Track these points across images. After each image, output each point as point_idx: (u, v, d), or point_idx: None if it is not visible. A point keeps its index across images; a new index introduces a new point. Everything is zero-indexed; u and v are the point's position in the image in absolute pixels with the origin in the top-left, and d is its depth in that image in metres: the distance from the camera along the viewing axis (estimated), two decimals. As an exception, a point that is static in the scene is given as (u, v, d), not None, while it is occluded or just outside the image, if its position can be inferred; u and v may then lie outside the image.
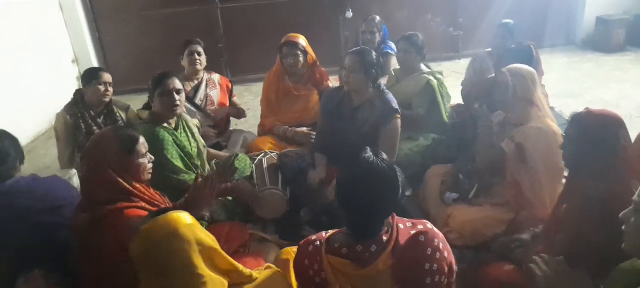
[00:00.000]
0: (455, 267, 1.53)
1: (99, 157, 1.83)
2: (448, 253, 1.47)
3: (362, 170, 1.42)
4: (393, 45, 4.07)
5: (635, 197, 1.29)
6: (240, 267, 1.59)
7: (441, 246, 1.45)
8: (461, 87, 3.83)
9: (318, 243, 1.49)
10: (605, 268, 1.48)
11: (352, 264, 1.41)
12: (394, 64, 3.92)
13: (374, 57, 2.63)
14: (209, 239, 1.47)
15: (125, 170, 1.86)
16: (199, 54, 3.48)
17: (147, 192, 1.94)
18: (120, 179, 1.83)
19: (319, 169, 2.75)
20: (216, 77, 3.67)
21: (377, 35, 4.01)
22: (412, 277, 1.41)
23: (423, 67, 3.35)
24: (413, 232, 1.45)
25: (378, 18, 4.06)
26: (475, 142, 2.75)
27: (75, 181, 2.86)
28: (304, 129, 3.36)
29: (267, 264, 1.92)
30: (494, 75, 3.17)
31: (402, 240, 1.43)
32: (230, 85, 3.73)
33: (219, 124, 3.61)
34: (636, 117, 4.09)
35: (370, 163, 1.42)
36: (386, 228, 1.46)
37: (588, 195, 1.69)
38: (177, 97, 2.53)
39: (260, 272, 1.77)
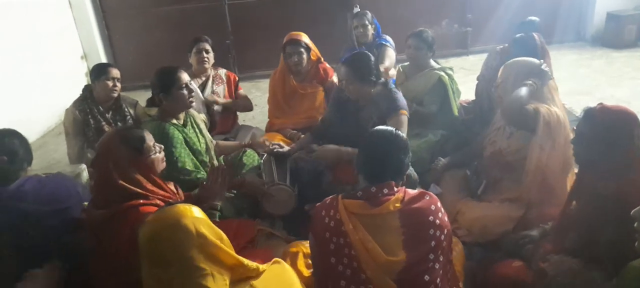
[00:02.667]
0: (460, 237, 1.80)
1: (109, 167, 1.83)
2: (447, 219, 1.70)
3: (381, 130, 1.79)
4: (389, 38, 4.07)
5: None
6: (245, 261, 1.58)
7: (443, 210, 1.69)
8: (477, 82, 3.78)
9: (335, 196, 1.73)
10: (617, 266, 1.46)
11: (365, 203, 1.64)
12: (391, 55, 3.92)
13: (369, 61, 2.60)
14: (213, 235, 1.46)
15: (138, 172, 1.86)
16: (207, 52, 3.47)
17: (161, 191, 1.94)
18: (133, 187, 1.83)
19: (299, 143, 2.97)
20: (222, 72, 3.65)
21: (370, 27, 3.99)
22: (418, 224, 1.62)
23: (433, 63, 3.33)
24: (419, 193, 1.72)
25: (369, 13, 4.05)
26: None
27: (85, 176, 2.88)
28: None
29: (275, 258, 1.91)
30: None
31: (411, 195, 1.68)
32: (236, 79, 3.71)
33: (226, 122, 3.61)
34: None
35: (386, 128, 1.80)
36: (396, 183, 1.70)
37: (600, 194, 1.67)
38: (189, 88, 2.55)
39: (266, 266, 1.76)
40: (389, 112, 2.58)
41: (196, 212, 1.46)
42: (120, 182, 1.81)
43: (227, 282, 1.46)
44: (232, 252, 1.52)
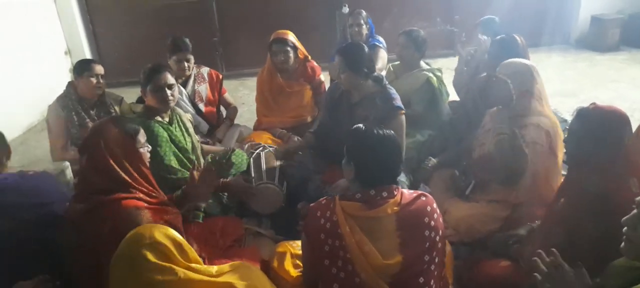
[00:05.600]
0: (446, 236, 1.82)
1: (100, 145, 1.83)
2: (442, 220, 1.72)
3: (378, 135, 1.71)
4: (381, 39, 4.13)
5: None
6: (199, 265, 1.57)
7: (438, 211, 1.70)
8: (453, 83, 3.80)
9: (331, 197, 1.71)
10: (601, 264, 1.47)
11: (363, 206, 1.63)
12: (383, 56, 3.98)
13: (363, 52, 2.60)
14: (169, 242, 1.50)
15: (127, 158, 1.86)
16: (188, 60, 3.30)
17: (145, 184, 1.93)
18: (119, 170, 1.83)
19: (292, 145, 3.05)
20: (205, 70, 3.51)
21: (364, 27, 4.05)
22: (414, 226, 1.62)
23: (422, 63, 3.32)
24: (415, 194, 1.70)
25: (364, 12, 4.10)
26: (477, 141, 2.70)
27: (68, 174, 2.81)
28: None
29: (234, 261, 1.84)
30: (485, 74, 3.14)
31: (407, 198, 1.67)
32: (220, 77, 3.59)
33: (211, 120, 3.53)
34: (629, 116, 4.10)
35: (382, 133, 1.72)
36: (395, 186, 1.69)
37: (587, 191, 1.68)
38: (169, 92, 2.50)
39: (227, 266, 1.71)
40: (388, 114, 2.54)
41: (159, 227, 1.53)
42: (110, 161, 1.81)
43: (179, 276, 1.48)
44: (187, 260, 1.53)
